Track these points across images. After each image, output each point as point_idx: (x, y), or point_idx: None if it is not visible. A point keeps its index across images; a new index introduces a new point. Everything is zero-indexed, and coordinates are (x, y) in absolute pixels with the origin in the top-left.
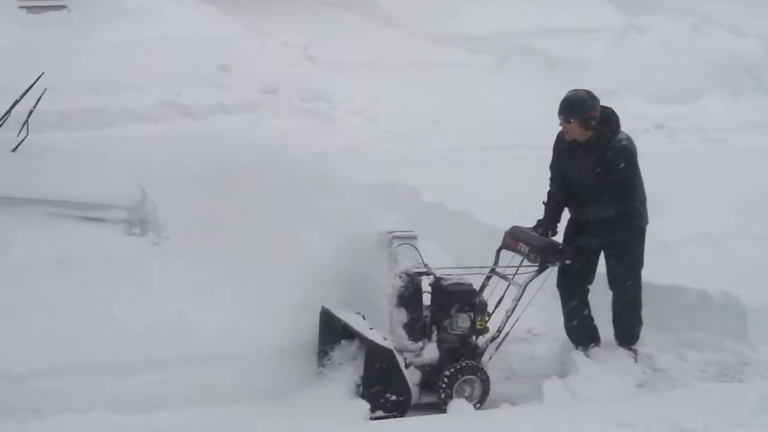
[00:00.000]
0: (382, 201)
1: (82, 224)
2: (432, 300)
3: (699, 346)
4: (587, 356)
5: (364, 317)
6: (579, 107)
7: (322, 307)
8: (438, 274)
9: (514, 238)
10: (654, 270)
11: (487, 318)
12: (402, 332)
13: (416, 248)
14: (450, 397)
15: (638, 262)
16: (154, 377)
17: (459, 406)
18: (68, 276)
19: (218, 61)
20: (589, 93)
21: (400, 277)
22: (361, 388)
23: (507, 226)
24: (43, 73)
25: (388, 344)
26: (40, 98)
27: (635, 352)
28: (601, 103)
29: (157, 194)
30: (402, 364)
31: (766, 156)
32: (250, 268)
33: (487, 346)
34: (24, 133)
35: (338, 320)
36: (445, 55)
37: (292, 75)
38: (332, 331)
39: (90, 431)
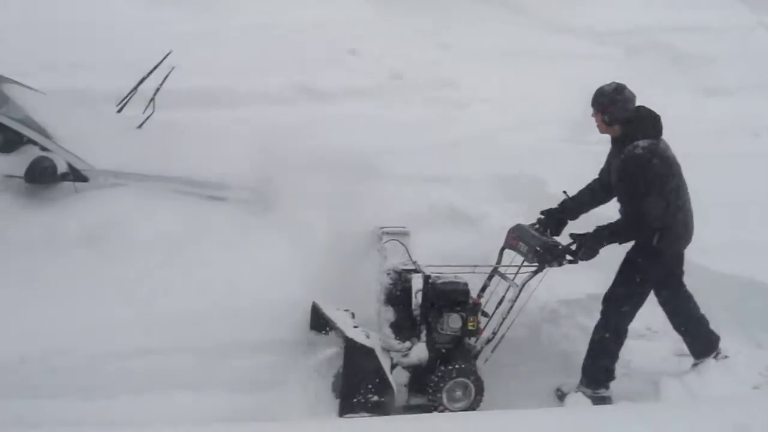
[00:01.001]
0: (507, 191)
1: (204, 203)
2: (422, 298)
3: None
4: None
5: (353, 315)
6: (598, 100)
7: (313, 302)
8: (427, 272)
9: (515, 237)
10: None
11: (481, 319)
12: (389, 331)
13: (405, 245)
14: (439, 399)
15: (621, 295)
16: (275, 358)
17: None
18: (188, 253)
19: (348, 45)
20: (617, 88)
21: (388, 274)
22: (338, 387)
23: None
24: (170, 52)
25: (370, 342)
26: (167, 76)
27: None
28: (717, 101)
29: (280, 176)
30: (387, 364)
31: None
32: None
33: (482, 348)
34: (150, 110)
35: (323, 316)
36: (574, 46)
37: (422, 62)
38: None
39: (206, 410)
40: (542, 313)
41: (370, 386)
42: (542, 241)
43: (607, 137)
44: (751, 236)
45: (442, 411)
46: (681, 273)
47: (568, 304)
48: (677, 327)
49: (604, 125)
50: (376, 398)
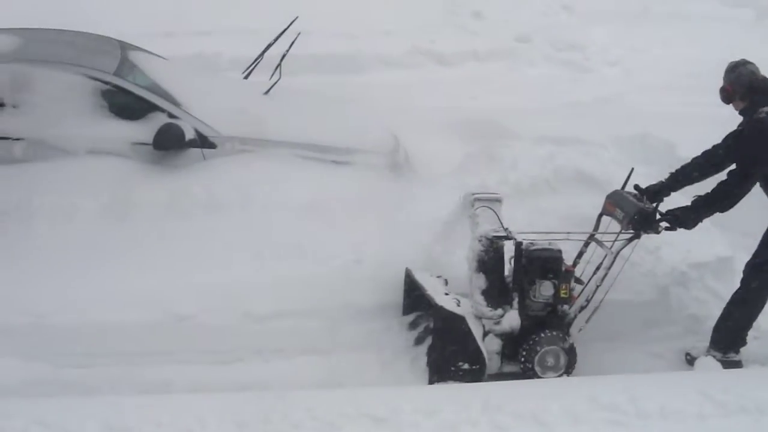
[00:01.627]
0: (635, 154)
1: (332, 167)
2: (514, 266)
3: None
4: None
5: (446, 282)
6: (724, 77)
7: (406, 268)
8: (519, 239)
9: (612, 203)
10: None
11: (574, 287)
12: (480, 298)
13: (496, 211)
14: (531, 367)
15: (763, 263)
16: (393, 322)
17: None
18: (317, 219)
19: (472, 8)
20: (737, 63)
21: (480, 241)
22: (428, 356)
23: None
24: (296, 18)
25: (460, 310)
26: (293, 42)
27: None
28: None
29: (408, 141)
30: (479, 332)
31: None
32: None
33: (575, 315)
34: (276, 76)
35: (417, 284)
36: (704, 8)
37: (547, 24)
38: (415, 297)
39: (331, 372)
40: (672, 276)
41: (460, 354)
42: (639, 208)
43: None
44: None
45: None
46: None
47: (698, 267)
48: None
49: (727, 101)
50: (467, 366)
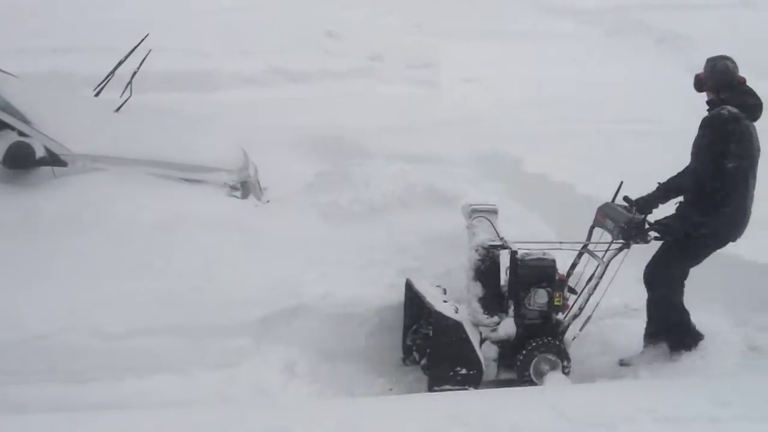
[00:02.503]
0: (487, 171)
1: (184, 186)
2: (510, 274)
3: None
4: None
5: (444, 291)
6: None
7: (407, 279)
8: (515, 248)
9: (603, 215)
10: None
11: (568, 296)
12: (477, 306)
13: (493, 222)
14: (526, 374)
15: (668, 264)
16: (248, 340)
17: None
18: (169, 237)
19: (327, 27)
20: (711, 59)
21: (477, 251)
22: (425, 362)
23: (611, 200)
24: (147, 35)
25: (458, 317)
26: (144, 60)
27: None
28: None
29: (260, 158)
30: (476, 339)
31: None
32: (349, 232)
33: (569, 323)
34: (127, 94)
35: (417, 293)
36: (555, 26)
37: (401, 42)
38: (415, 306)
39: (185, 391)
40: None
41: (458, 359)
42: (628, 218)
43: (586, 116)
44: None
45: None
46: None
47: None
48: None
49: (700, 87)
50: (464, 371)
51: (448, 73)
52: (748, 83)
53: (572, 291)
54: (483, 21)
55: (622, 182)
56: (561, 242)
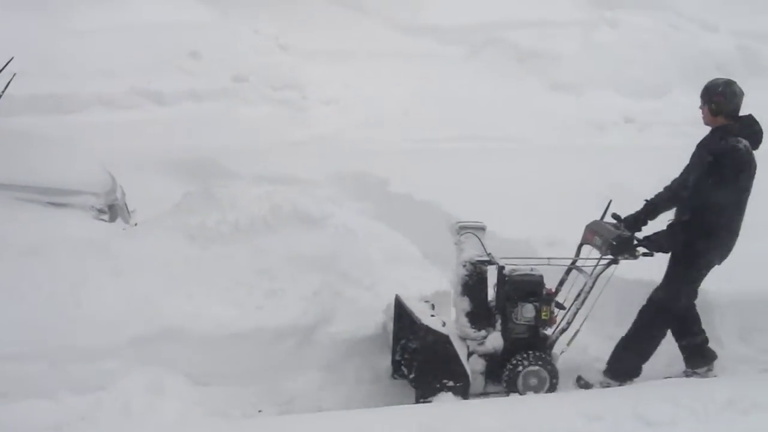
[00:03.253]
0: (351, 191)
1: (50, 210)
2: (497, 289)
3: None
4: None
5: (433, 306)
6: (708, 90)
7: (396, 295)
8: (501, 264)
9: (591, 232)
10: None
11: (555, 310)
12: (465, 320)
13: (480, 238)
14: (515, 386)
15: (667, 294)
16: (116, 363)
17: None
18: (35, 262)
19: (189, 48)
20: (727, 81)
21: (464, 266)
22: (413, 374)
23: (473, 218)
24: (12, 58)
25: (445, 330)
26: (9, 83)
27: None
28: (563, 96)
29: (126, 180)
30: (463, 352)
31: None
32: (216, 254)
33: (557, 338)
34: None
35: (405, 308)
36: (417, 45)
37: (264, 63)
38: (403, 321)
39: (54, 416)
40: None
41: (445, 372)
42: (616, 234)
43: (450, 135)
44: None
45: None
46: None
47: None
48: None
49: (711, 115)
50: (451, 383)
51: (311, 93)
52: (609, 100)
53: (560, 306)
54: (346, 41)
55: (610, 201)
56: (549, 258)
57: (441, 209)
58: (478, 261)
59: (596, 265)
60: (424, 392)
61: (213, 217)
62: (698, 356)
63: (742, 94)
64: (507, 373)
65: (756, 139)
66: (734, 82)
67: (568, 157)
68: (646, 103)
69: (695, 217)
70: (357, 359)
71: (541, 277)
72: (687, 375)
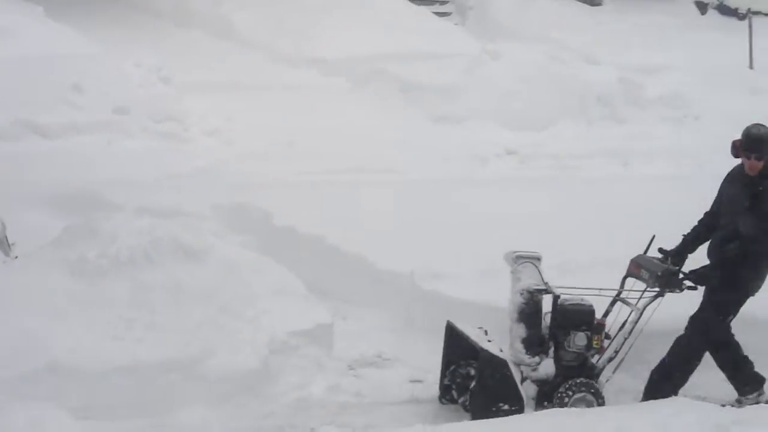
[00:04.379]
0: (235, 224)
1: None
2: (551, 318)
3: None
4: None
5: (486, 332)
6: (758, 145)
7: (448, 321)
8: (557, 293)
9: (636, 265)
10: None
11: (603, 340)
12: (520, 346)
13: (538, 268)
14: None
15: (707, 323)
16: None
17: None
18: None
19: (71, 80)
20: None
21: (521, 294)
22: (464, 399)
23: (359, 251)
24: None
25: (503, 355)
26: None
27: None
28: (446, 129)
29: (6, 213)
30: (518, 377)
31: (617, 183)
32: (97, 287)
33: (604, 366)
34: None
35: (461, 334)
36: (300, 77)
37: (146, 96)
38: (457, 346)
39: None
40: (271, 345)
41: (500, 396)
42: (663, 267)
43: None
44: (482, 262)
45: None
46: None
47: (297, 335)
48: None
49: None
50: (506, 407)
51: (194, 125)
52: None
53: (607, 336)
54: (229, 74)
55: (654, 236)
56: (600, 289)
57: (325, 242)
58: (536, 290)
59: (640, 297)
60: (478, 414)
61: (94, 251)
62: (743, 383)
63: None
64: (557, 398)
65: None
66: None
67: (450, 189)
68: (529, 135)
69: (742, 248)
70: (241, 392)
71: (592, 306)
72: (739, 403)
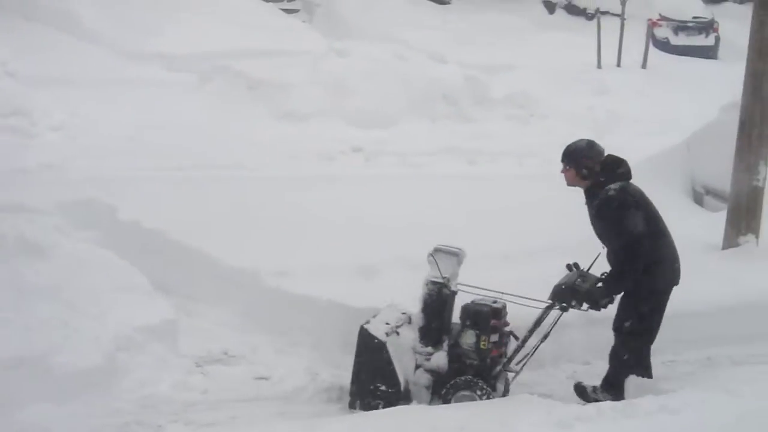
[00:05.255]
0: (78, 219)
1: None
2: (446, 313)
3: None
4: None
5: (410, 319)
6: (574, 155)
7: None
8: (454, 289)
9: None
10: (356, 292)
11: (502, 343)
12: (416, 335)
13: (437, 261)
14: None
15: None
16: None
17: None
18: None
19: None
20: (589, 143)
21: (425, 284)
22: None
23: (203, 247)
24: None
25: (383, 337)
26: None
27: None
28: (291, 126)
29: None
30: (404, 361)
31: (461, 181)
32: None
33: (499, 369)
34: None
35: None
36: (145, 73)
37: None
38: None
39: None
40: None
41: (378, 376)
42: (560, 284)
43: (179, 163)
44: (327, 259)
45: None
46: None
47: (143, 331)
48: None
49: (579, 178)
50: (384, 388)
51: (40, 120)
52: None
53: (515, 337)
54: (73, 68)
55: (599, 253)
56: (502, 292)
57: (169, 237)
58: (431, 281)
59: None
60: (358, 394)
61: None
62: (612, 383)
63: (603, 150)
64: (444, 392)
65: (624, 175)
66: (595, 142)
67: (296, 186)
68: (374, 133)
69: (630, 265)
70: (87, 389)
71: (492, 309)
72: (594, 392)
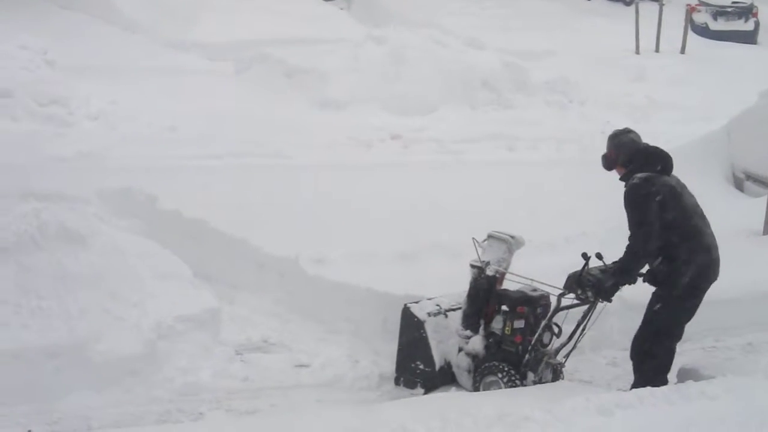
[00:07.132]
0: (120, 208)
1: None
2: (483, 296)
3: None
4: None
5: (439, 308)
6: (617, 140)
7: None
8: (491, 273)
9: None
10: (395, 279)
11: (530, 330)
12: (460, 317)
13: (481, 246)
14: (478, 390)
15: (651, 325)
16: None
17: None
18: None
19: None
20: (623, 131)
21: (471, 268)
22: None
23: (244, 235)
24: None
25: (423, 316)
26: None
27: None
28: (330, 114)
29: None
30: (443, 342)
31: (500, 167)
32: None
33: (527, 356)
34: None
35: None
36: (184, 61)
37: (29, 79)
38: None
39: None
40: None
41: (416, 354)
42: (577, 274)
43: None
44: (366, 247)
45: None
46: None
47: (184, 320)
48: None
49: (619, 164)
50: (422, 367)
51: (78, 109)
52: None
53: (557, 329)
54: (113, 57)
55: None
56: (532, 279)
57: (210, 226)
58: (471, 264)
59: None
60: (400, 369)
61: None
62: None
63: (630, 141)
64: (476, 375)
65: (660, 166)
66: (621, 132)
67: (334, 174)
68: (412, 120)
69: (634, 257)
70: (128, 377)
71: (522, 296)
72: None
